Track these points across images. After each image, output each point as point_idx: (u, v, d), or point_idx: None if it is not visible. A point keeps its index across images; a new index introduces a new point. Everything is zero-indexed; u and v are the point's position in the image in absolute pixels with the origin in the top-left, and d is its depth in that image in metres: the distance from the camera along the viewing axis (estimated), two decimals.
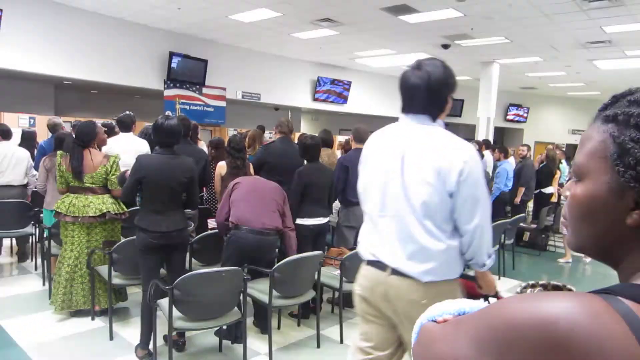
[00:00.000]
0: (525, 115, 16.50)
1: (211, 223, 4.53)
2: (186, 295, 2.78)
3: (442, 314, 0.81)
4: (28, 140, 6.29)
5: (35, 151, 5.87)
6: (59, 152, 3.90)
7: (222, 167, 4.56)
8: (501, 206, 7.41)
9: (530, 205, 8.53)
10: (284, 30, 9.65)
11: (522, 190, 7.62)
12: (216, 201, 5.06)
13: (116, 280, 3.62)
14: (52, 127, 5.70)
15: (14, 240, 5.64)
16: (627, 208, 0.60)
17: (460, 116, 15.64)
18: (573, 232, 0.68)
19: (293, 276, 3.37)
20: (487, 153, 8.14)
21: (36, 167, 5.15)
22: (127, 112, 5.02)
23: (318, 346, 3.67)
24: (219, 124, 11.36)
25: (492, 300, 1.32)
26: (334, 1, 7.66)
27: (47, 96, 10.73)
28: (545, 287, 1.13)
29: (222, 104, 11.14)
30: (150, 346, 3.22)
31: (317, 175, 4.09)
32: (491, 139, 11.25)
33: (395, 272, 1.85)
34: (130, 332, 3.71)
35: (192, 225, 4.40)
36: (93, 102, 11.91)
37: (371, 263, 1.97)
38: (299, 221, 4.05)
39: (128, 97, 11.96)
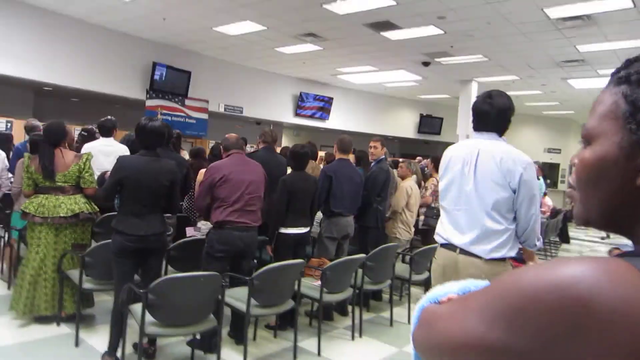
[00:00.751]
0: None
1: (189, 231, 4.46)
2: (161, 300, 2.71)
3: (446, 294, 0.77)
4: (3, 142, 6.13)
5: (11, 153, 5.70)
6: (26, 154, 3.79)
7: (202, 174, 4.50)
8: None
9: None
10: (268, 44, 9.71)
11: None
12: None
13: (87, 285, 3.50)
14: (30, 129, 5.56)
15: None
16: (638, 169, 0.58)
17: (439, 134, 15.85)
18: (581, 201, 0.66)
19: (273, 285, 3.31)
20: None
21: (11, 170, 5.01)
22: (109, 117, 4.96)
23: (295, 358, 3.60)
24: (200, 136, 11.31)
25: None
26: (319, 16, 7.75)
27: (26, 101, 10.55)
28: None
29: (204, 116, 11.11)
30: (119, 353, 3.12)
31: (301, 184, 4.07)
32: None
33: (463, 251, 2.38)
34: (97, 339, 3.57)
35: (171, 230, 4.32)
36: (73, 109, 11.72)
37: (444, 245, 2.50)
38: (281, 230, 4.01)
39: (109, 106, 11.77)
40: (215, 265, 3.36)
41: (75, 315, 3.62)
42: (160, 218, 3.26)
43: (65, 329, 3.74)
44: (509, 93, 2.57)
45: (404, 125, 15.61)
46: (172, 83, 10.32)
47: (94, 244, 3.67)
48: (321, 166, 5.61)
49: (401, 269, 4.81)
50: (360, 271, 4.10)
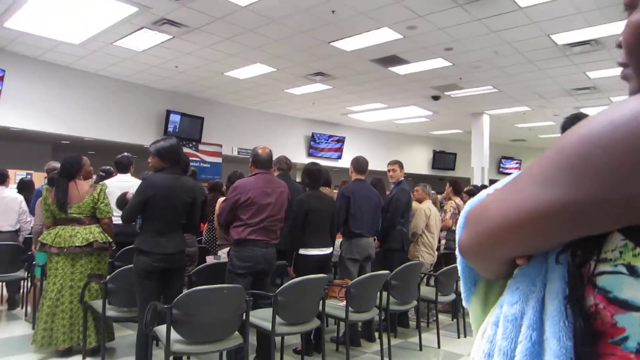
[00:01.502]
0: (518, 167, 16.73)
1: (209, 259, 4.41)
2: (186, 316, 2.64)
3: (494, 189, 0.69)
4: (25, 188, 6.25)
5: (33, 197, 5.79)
6: (44, 187, 3.86)
7: (220, 204, 4.50)
8: None
9: None
10: (278, 85, 9.94)
11: None
12: (216, 239, 4.95)
13: (110, 313, 3.45)
14: (50, 170, 5.64)
15: (4, 289, 5.42)
16: None
17: (453, 169, 15.82)
18: (634, 68, 0.62)
19: (297, 301, 3.22)
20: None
21: (32, 212, 5.07)
22: (125, 154, 5.03)
23: None
24: (215, 179, 11.39)
25: None
26: (326, 55, 7.95)
27: (45, 155, 10.78)
28: None
29: (218, 160, 11.25)
30: None
31: (317, 203, 4.04)
32: None
33: None
34: None
35: (194, 260, 4.28)
36: (90, 161, 11.94)
37: None
38: (302, 252, 3.95)
39: None
40: (239, 282, 3.30)
41: (99, 348, 3.55)
42: (181, 236, 3.26)
43: None
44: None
45: (418, 162, 15.63)
46: (185, 129, 10.55)
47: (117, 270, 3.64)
48: (335, 191, 5.59)
49: (426, 291, 4.68)
50: (385, 293, 3.99)
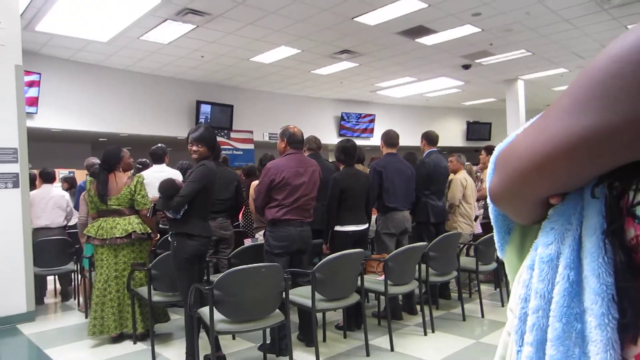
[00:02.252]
0: None
1: (247, 242, 4.48)
2: (227, 296, 2.70)
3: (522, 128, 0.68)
4: (72, 185, 6.53)
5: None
6: (89, 179, 3.99)
7: (255, 185, 4.54)
8: None
9: None
10: (304, 67, 9.89)
11: None
12: (252, 222, 5.02)
13: (156, 298, 3.56)
14: (90, 166, 5.84)
15: (57, 282, 5.71)
16: None
17: (489, 139, 15.42)
18: None
19: (336, 276, 3.24)
20: None
21: (77, 207, 5.27)
22: (159, 145, 5.13)
23: (367, 354, 3.47)
24: (249, 165, 11.54)
25: None
26: (350, 31, 7.82)
27: (85, 154, 11.12)
28: None
29: (250, 146, 11.35)
30: None
31: (353, 181, 4.02)
32: None
33: None
34: (173, 352, 3.62)
35: (230, 243, 4.36)
36: None
37: None
38: (337, 228, 3.96)
39: None
40: (277, 262, 3.33)
41: (148, 333, 3.68)
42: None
43: (142, 346, 3.80)
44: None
45: (452, 135, 15.31)
46: (216, 118, 10.67)
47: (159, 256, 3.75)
48: (367, 169, 5.56)
49: (466, 261, 4.62)
50: (424, 265, 3.96)
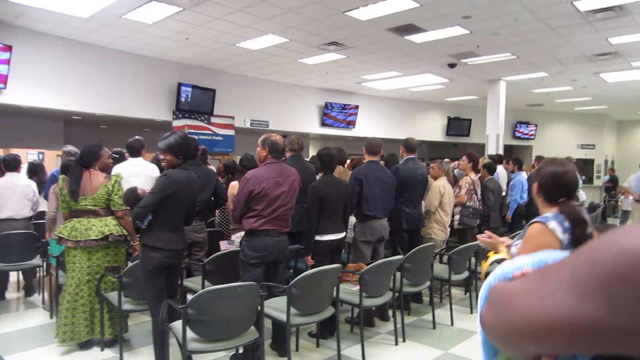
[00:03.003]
0: (533, 132, 16.39)
1: (223, 245, 4.43)
2: (200, 314, 2.66)
3: (519, 269, 0.67)
4: (34, 172, 6.19)
5: (46, 180, 5.79)
6: (61, 176, 3.81)
7: (234, 187, 4.49)
8: (517, 219, 7.24)
9: None
10: (291, 56, 9.74)
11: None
12: (229, 222, 4.97)
13: (126, 306, 3.48)
14: (67, 155, 5.61)
15: (20, 275, 5.45)
16: None
17: (468, 135, 15.59)
18: None
19: (311, 292, 3.23)
20: (500, 167, 8.00)
21: (46, 197, 5.06)
22: (136, 137, 4.98)
23: None
24: (227, 152, 11.37)
25: None
26: (340, 25, 7.71)
27: (57, 132, 10.85)
28: None
29: (231, 132, 11.19)
30: None
31: (331, 189, 3.99)
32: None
33: None
34: None
35: (204, 246, 4.30)
36: (102, 136, 12.00)
37: None
38: (316, 237, 3.94)
39: (137, 130, 12.00)
40: (253, 272, 3.32)
41: (117, 339, 3.60)
42: (184, 231, 3.28)
43: (110, 353, 3.70)
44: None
45: (432, 129, 15.39)
46: (197, 102, 10.44)
47: (129, 265, 3.65)
48: (349, 172, 5.54)
49: (439, 269, 4.68)
50: (398, 274, 4.00)
